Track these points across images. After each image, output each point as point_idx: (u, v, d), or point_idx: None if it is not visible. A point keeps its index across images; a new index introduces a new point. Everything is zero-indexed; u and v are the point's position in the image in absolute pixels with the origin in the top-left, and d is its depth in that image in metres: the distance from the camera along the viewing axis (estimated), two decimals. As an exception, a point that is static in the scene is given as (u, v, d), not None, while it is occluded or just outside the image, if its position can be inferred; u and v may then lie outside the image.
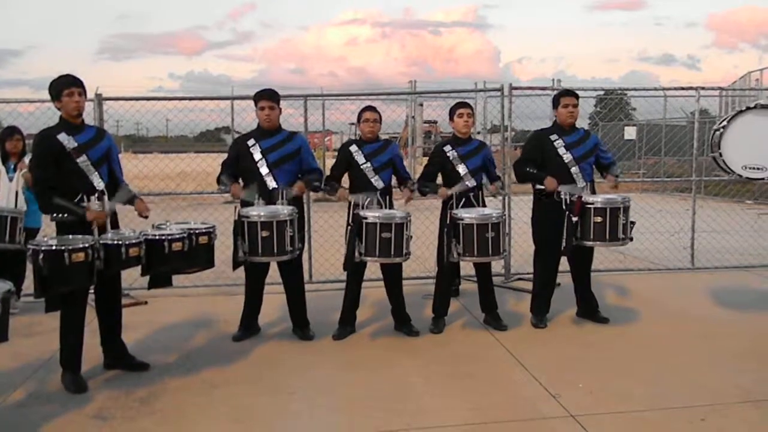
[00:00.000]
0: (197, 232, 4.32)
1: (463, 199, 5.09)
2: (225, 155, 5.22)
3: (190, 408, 3.82)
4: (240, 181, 5.01)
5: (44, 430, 3.54)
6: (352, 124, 16.54)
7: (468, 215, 4.82)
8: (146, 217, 4.39)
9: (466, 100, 5.59)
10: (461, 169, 5.14)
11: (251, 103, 5.19)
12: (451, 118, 5.26)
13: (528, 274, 6.41)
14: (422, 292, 6.06)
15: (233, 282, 6.05)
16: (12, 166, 5.78)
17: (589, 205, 4.89)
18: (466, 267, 5.75)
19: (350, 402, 3.91)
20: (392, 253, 4.65)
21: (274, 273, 5.12)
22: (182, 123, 7.78)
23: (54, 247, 3.72)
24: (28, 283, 5.56)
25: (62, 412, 3.75)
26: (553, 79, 11.33)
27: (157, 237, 4.10)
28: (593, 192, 5.18)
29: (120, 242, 3.92)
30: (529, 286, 5.76)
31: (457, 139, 5.25)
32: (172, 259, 4.11)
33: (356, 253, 4.68)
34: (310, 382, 4.24)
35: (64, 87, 4.13)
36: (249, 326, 5.13)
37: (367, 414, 3.72)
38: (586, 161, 5.15)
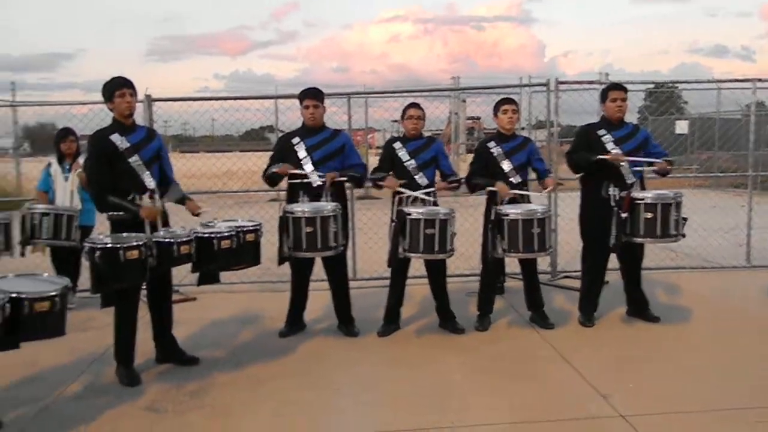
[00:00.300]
0: (245, 229, 4.39)
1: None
2: (270, 154, 5.29)
3: (237, 403, 3.89)
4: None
5: (99, 421, 3.65)
6: (395, 121, 16.52)
7: (513, 211, 4.77)
8: (199, 215, 4.48)
9: (511, 96, 5.53)
10: (506, 165, 5.09)
11: (295, 101, 5.25)
12: (496, 114, 5.21)
13: (575, 272, 6.31)
14: (466, 290, 6.02)
15: (279, 279, 6.13)
16: (67, 167, 5.97)
17: (639, 201, 4.78)
18: (512, 264, 5.70)
19: (395, 398, 3.92)
20: (436, 249, 4.64)
21: (319, 270, 5.17)
22: (228, 122, 7.92)
23: (109, 245, 3.83)
24: (83, 280, 5.76)
25: (116, 404, 3.87)
26: (600, 73, 11.10)
27: (206, 235, 4.19)
28: (643, 188, 5.06)
29: (172, 240, 4.02)
30: (576, 284, 5.66)
31: (501, 136, 5.20)
32: (221, 256, 4.19)
33: (400, 250, 4.69)
34: (355, 378, 4.27)
35: (116, 88, 4.25)
36: (295, 322, 5.18)
37: (412, 411, 3.72)
38: (635, 156, 5.02)
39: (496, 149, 5.13)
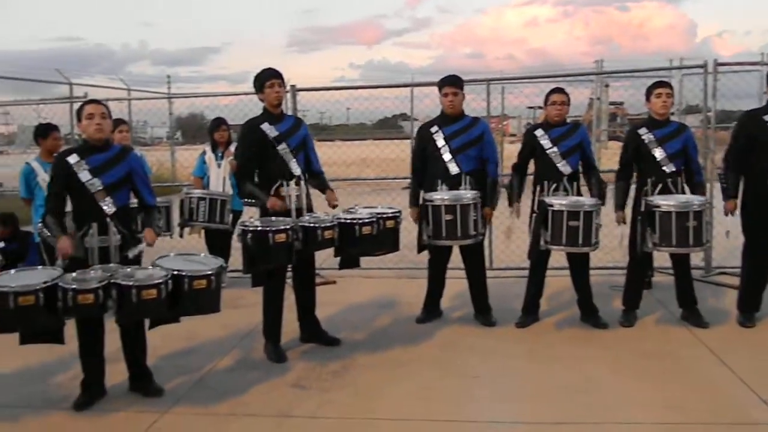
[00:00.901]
0: (385, 216, 4.47)
1: (660, 185, 4.74)
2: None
3: (377, 385, 3.98)
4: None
5: (250, 394, 3.88)
6: (530, 107, 16.06)
7: (665, 202, 4.48)
8: (335, 206, 4.62)
9: (664, 79, 5.18)
10: (658, 153, 4.77)
11: (429, 89, 5.23)
12: (648, 99, 4.89)
13: (732, 267, 5.84)
14: (609, 283, 5.76)
15: (415, 266, 6.18)
16: (220, 154, 6.36)
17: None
18: (659, 258, 5.36)
19: (535, 391, 3.84)
20: (580, 242, 4.47)
21: (455, 258, 5.15)
22: (368, 111, 8.07)
23: (260, 228, 4.06)
24: (232, 260, 6.12)
25: (266, 378, 4.09)
26: (762, 53, 10.16)
27: (349, 221, 4.31)
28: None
29: (316, 225, 4.19)
30: (734, 281, 5.24)
31: (653, 121, 4.88)
32: (363, 241, 4.31)
33: (541, 242, 4.56)
34: (493, 368, 4.22)
35: (266, 79, 4.46)
36: (431, 309, 5.21)
37: (553, 404, 3.63)
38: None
39: (647, 136, 4.82)
